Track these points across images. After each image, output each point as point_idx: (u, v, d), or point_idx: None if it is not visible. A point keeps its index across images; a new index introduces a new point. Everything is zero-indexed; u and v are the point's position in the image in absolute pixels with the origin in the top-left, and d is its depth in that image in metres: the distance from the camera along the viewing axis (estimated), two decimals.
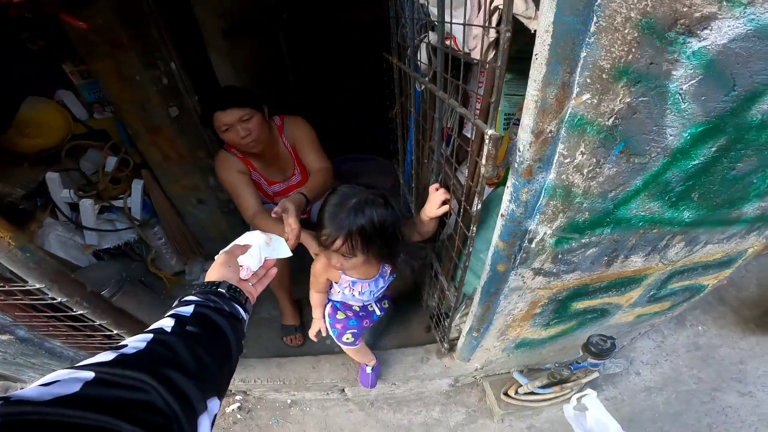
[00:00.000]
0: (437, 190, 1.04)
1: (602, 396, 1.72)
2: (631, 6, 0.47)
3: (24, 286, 0.94)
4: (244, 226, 2.31)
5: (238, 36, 2.02)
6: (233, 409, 1.81)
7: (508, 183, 0.68)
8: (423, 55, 1.06)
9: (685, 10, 0.47)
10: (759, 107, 0.58)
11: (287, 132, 1.58)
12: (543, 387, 1.44)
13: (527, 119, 0.57)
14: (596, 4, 0.47)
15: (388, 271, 1.22)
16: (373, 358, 1.59)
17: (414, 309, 1.92)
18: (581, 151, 0.58)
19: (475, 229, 0.80)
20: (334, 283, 1.23)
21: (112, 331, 1.23)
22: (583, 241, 0.76)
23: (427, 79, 0.95)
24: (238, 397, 1.84)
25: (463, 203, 0.85)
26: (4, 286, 0.96)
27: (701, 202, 0.73)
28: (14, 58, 1.71)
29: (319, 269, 1.18)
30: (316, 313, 1.35)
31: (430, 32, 0.97)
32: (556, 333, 1.31)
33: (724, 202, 0.75)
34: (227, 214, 2.20)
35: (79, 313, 1.08)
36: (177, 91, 1.77)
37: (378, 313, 1.40)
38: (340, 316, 1.34)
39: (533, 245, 0.77)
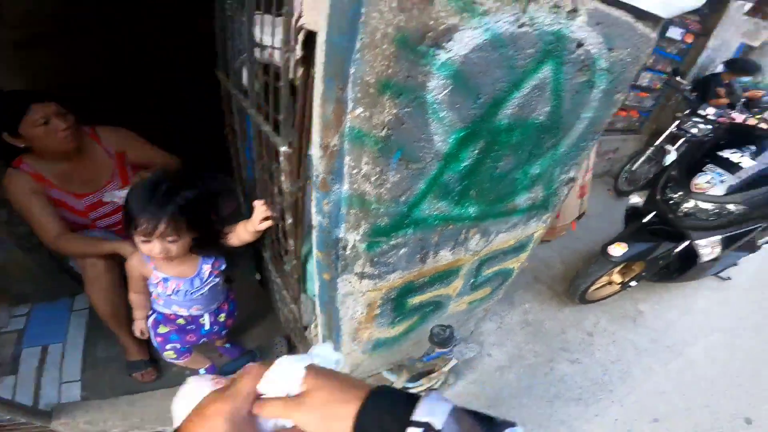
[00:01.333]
0: (262, 205, 1.08)
1: (465, 380, 1.87)
2: (388, 22, 0.52)
3: None
4: (55, 262, 1.92)
5: (35, 48, 1.70)
6: None
7: (312, 196, 0.71)
8: (245, 75, 1.06)
9: (431, 23, 0.54)
10: (504, 112, 0.72)
11: (105, 139, 1.47)
12: (411, 380, 1.54)
13: (315, 135, 0.61)
14: (360, 21, 0.51)
15: (207, 272, 1.19)
16: (206, 362, 1.53)
17: (277, 327, 1.86)
18: (365, 162, 0.64)
19: (293, 242, 0.81)
20: (150, 287, 1.19)
21: None
22: (392, 243, 0.85)
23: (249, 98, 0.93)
24: None
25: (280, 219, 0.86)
26: None
27: (480, 198, 0.88)
28: None
29: (133, 264, 1.16)
30: (136, 314, 1.30)
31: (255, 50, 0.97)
32: (403, 329, 1.41)
33: (498, 196, 0.92)
34: (32, 251, 1.80)
35: None
36: None
37: (207, 327, 1.33)
38: (161, 329, 1.28)
39: (348, 252, 0.82)
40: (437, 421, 0.34)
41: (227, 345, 1.75)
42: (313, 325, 1.39)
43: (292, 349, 1.77)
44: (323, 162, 0.63)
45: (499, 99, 0.69)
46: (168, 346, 1.29)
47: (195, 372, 1.52)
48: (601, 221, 2.95)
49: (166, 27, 1.90)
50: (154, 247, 0.99)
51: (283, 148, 0.62)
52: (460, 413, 0.36)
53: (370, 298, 1.06)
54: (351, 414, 0.37)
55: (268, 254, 1.23)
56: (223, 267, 1.21)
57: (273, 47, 0.71)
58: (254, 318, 1.93)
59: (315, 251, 0.81)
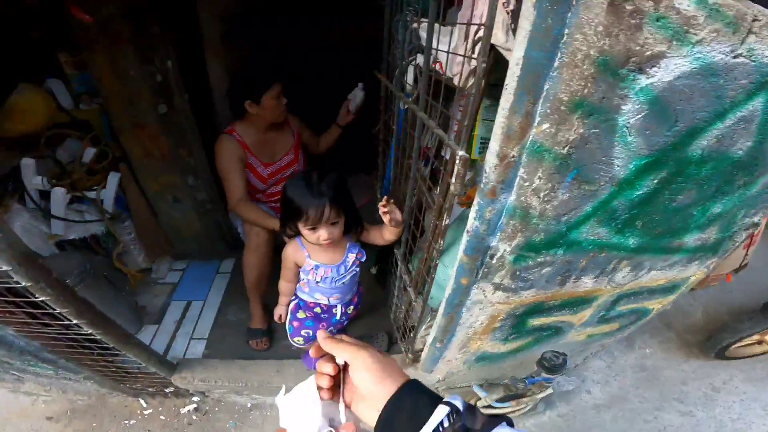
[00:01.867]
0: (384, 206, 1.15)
1: (555, 411, 1.80)
2: (592, 44, 0.53)
3: None
4: (218, 228, 2.31)
5: (234, 40, 2.07)
6: (189, 410, 1.78)
7: (475, 201, 0.74)
8: (410, 77, 1.15)
9: (637, 48, 0.54)
10: (699, 143, 0.67)
11: (292, 121, 1.84)
12: (500, 401, 1.50)
13: (494, 143, 0.64)
14: (562, 41, 0.53)
15: (351, 261, 1.31)
16: None
17: (381, 322, 1.96)
18: (539, 176, 0.66)
19: (442, 242, 0.86)
20: (301, 274, 1.33)
21: (71, 321, 1.17)
22: (539, 260, 0.84)
23: (411, 99, 1.02)
24: (195, 398, 1.80)
25: (435, 219, 0.91)
26: None
27: (645, 230, 0.82)
28: (11, 44, 1.75)
29: (289, 252, 1.29)
30: (282, 300, 1.45)
31: (418, 55, 1.06)
32: (514, 348, 1.37)
33: (666, 231, 0.85)
34: (203, 215, 2.20)
35: (40, 299, 1.04)
36: (169, 89, 1.79)
37: (338, 317, 1.44)
38: (300, 314, 1.42)
39: (494, 261, 0.83)
40: (459, 404, 0.42)
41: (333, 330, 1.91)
42: (423, 328, 1.44)
43: (391, 346, 1.85)
44: (497, 171, 0.66)
45: (697, 129, 0.64)
46: (302, 332, 1.43)
47: (305, 354, 1.69)
48: (763, 277, 2.45)
49: (342, 30, 2.15)
50: (322, 233, 1.12)
51: (461, 153, 0.67)
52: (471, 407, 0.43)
53: (496, 310, 1.06)
54: (397, 385, 0.46)
55: (401, 251, 1.31)
56: (364, 258, 1.33)
57: (452, 52, 0.76)
58: (362, 309, 2.06)
59: (461, 255, 0.85)
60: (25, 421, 1.81)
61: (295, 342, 1.48)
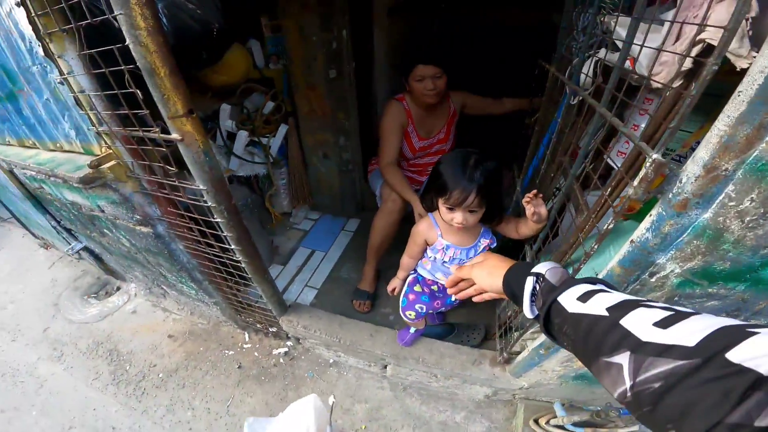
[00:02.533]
0: (530, 198, 1.13)
1: None
2: None
3: (191, 185, 1.07)
4: (353, 189, 2.53)
5: (398, 15, 2.19)
6: (280, 353, 1.97)
7: (653, 212, 0.69)
8: (587, 70, 1.08)
9: None
10: None
11: (454, 100, 1.89)
12: (576, 425, 1.40)
13: (703, 152, 0.58)
14: None
15: (482, 246, 1.29)
16: (422, 324, 1.66)
17: (482, 314, 1.94)
18: (751, 198, 0.58)
19: (596, 247, 0.82)
20: (428, 251, 1.34)
21: (229, 246, 1.32)
22: (710, 290, 0.74)
23: (588, 93, 0.97)
24: (289, 343, 1.99)
25: (591, 219, 0.87)
26: (174, 181, 1.08)
27: None
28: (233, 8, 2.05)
29: (421, 229, 1.30)
30: (400, 273, 1.47)
31: (603, 49, 0.99)
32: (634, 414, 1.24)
33: None
34: (344, 174, 2.44)
35: (216, 221, 1.19)
36: (340, 55, 2.00)
37: (452, 299, 1.46)
38: (417, 288, 1.44)
39: (653, 279, 0.77)
40: (542, 269, 0.62)
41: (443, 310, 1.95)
42: (531, 331, 1.39)
43: (484, 341, 1.82)
44: (697, 183, 0.60)
45: None
46: (417, 306, 1.45)
47: (402, 330, 1.74)
48: None
49: (508, 12, 2.16)
50: (457, 216, 1.12)
51: (655, 156, 0.62)
52: (557, 268, 0.63)
53: None
54: (503, 271, 0.72)
55: (536, 247, 1.27)
56: (495, 245, 1.32)
57: (663, 49, 0.69)
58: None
59: (613, 265, 0.80)
60: (151, 336, 2.13)
61: (407, 315, 1.49)
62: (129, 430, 1.72)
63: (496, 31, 2.24)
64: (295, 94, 2.25)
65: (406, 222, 1.80)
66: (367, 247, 1.94)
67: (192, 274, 1.66)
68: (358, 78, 2.17)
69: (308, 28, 1.91)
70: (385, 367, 1.84)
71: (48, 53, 0.89)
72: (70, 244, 2.08)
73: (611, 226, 0.76)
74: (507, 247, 1.45)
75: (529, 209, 1.12)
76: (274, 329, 1.95)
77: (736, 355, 0.33)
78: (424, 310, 1.46)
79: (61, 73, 0.92)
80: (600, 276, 0.87)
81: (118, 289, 2.47)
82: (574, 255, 1.02)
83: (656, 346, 0.38)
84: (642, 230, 0.71)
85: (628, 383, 0.39)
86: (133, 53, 0.77)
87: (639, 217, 1.10)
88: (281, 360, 1.95)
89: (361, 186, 2.54)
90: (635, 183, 0.66)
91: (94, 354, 2.06)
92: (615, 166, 0.81)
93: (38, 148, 1.34)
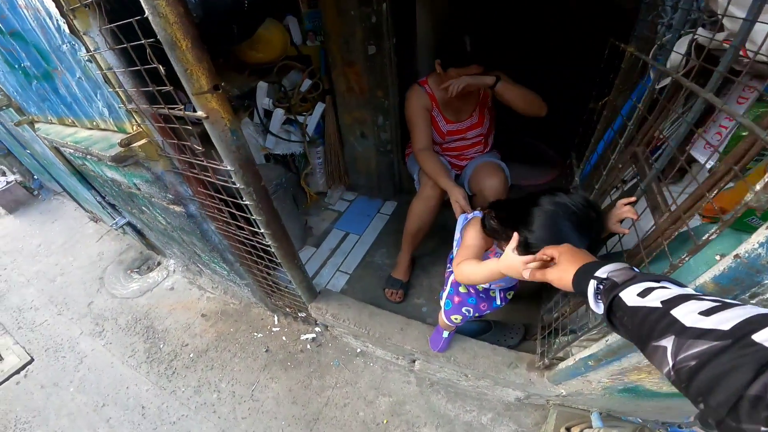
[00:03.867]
0: (626, 205, 0.95)
1: None
2: None
3: (218, 165, 1.02)
4: (390, 169, 2.43)
5: None
6: (307, 338, 1.93)
7: None
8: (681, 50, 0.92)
9: None
10: None
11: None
12: None
13: None
14: None
15: None
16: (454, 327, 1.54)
17: (523, 313, 1.81)
18: None
19: (687, 259, 0.68)
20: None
21: (259, 229, 1.27)
22: None
23: (680, 74, 0.80)
24: (317, 329, 1.95)
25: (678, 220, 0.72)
26: (202, 160, 1.04)
27: None
28: None
29: (472, 233, 1.10)
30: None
31: (701, 28, 0.83)
32: (678, 392, 1.10)
33: None
34: (381, 154, 2.34)
35: (245, 203, 1.14)
36: (380, 31, 1.87)
37: (498, 302, 1.33)
38: (462, 289, 1.31)
39: (753, 301, 0.62)
40: (604, 273, 0.64)
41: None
42: (581, 338, 1.25)
43: (523, 341, 1.70)
44: None
45: None
46: (463, 309, 1.31)
47: (435, 332, 1.61)
48: None
49: None
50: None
51: None
52: (621, 270, 0.63)
53: None
54: (574, 271, 0.71)
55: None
56: None
57: None
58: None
59: (706, 280, 0.65)
60: (185, 314, 2.15)
61: (452, 320, 1.35)
62: (157, 410, 1.77)
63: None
64: (332, 72, 2.15)
65: (444, 209, 1.69)
66: (403, 233, 1.85)
67: (224, 255, 1.64)
68: (400, 55, 2.03)
69: (346, 1, 1.79)
70: (414, 361, 1.76)
71: (73, 30, 0.84)
72: (114, 219, 2.15)
73: (714, 236, 0.61)
74: None
75: (619, 215, 0.95)
76: (303, 314, 1.93)
77: (760, 335, 0.36)
78: (471, 313, 1.33)
79: (87, 50, 0.87)
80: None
81: (159, 264, 2.54)
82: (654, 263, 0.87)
83: (696, 330, 0.42)
84: (753, 244, 0.56)
85: (670, 363, 0.44)
86: (153, 25, 0.70)
87: (734, 223, 0.93)
88: (308, 346, 1.93)
89: (399, 167, 2.43)
90: (758, 187, 0.52)
91: (132, 331, 2.13)
92: (699, 161, 0.65)
93: (77, 126, 1.34)
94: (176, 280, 2.40)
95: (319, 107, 2.27)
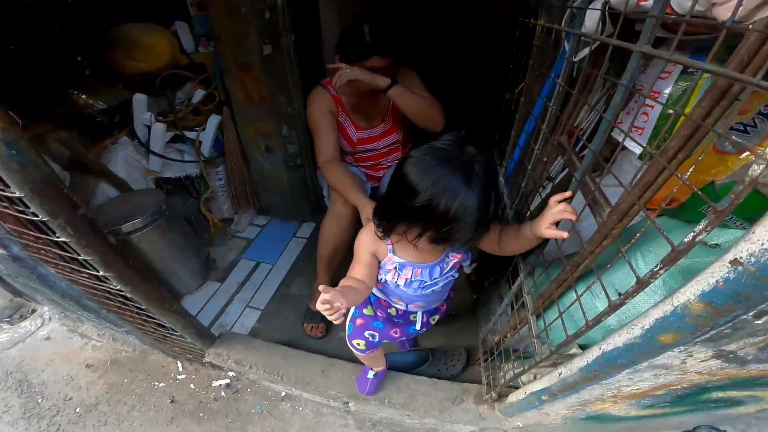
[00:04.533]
0: (560, 203, 0.77)
1: None
2: None
3: (4, 191, 0.73)
4: (304, 186, 2.15)
5: None
6: (220, 385, 1.65)
7: None
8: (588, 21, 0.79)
9: None
10: None
11: (403, 79, 1.42)
12: None
13: None
14: None
15: (452, 263, 0.92)
16: (382, 364, 1.31)
17: (463, 335, 1.61)
18: None
19: (663, 272, 0.49)
20: (381, 272, 0.93)
21: (98, 271, 0.97)
22: None
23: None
24: (230, 374, 1.67)
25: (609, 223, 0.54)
26: None
27: None
28: None
29: (365, 240, 0.90)
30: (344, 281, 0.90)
31: None
32: (649, 414, 0.97)
33: None
34: (292, 170, 2.05)
35: (61, 240, 0.84)
36: (276, 27, 1.64)
37: (418, 327, 1.11)
38: (368, 311, 1.08)
39: (759, 322, 0.44)
40: None
41: (406, 343, 1.59)
42: (530, 371, 1.06)
43: (467, 367, 1.52)
44: None
45: None
46: (366, 333, 1.09)
47: (361, 373, 1.37)
48: None
49: None
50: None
51: None
52: None
53: (679, 380, 0.67)
54: None
55: (526, 268, 0.95)
56: (468, 261, 0.95)
57: None
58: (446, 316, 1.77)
59: (691, 300, 0.47)
60: (66, 365, 1.82)
61: (354, 346, 1.14)
62: None
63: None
64: (226, 79, 1.84)
65: (361, 227, 1.45)
66: (317, 258, 1.57)
67: (80, 301, 1.30)
68: (302, 55, 1.80)
69: None
70: (347, 403, 1.50)
71: None
72: None
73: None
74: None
75: (554, 216, 0.77)
76: (209, 359, 1.62)
77: None
78: (377, 339, 1.11)
79: None
80: (652, 315, 0.55)
81: (34, 311, 2.09)
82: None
83: None
84: (760, 243, 0.38)
85: None
86: None
87: (684, 213, 0.80)
88: (222, 393, 1.62)
89: (313, 183, 2.16)
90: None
91: (4, 385, 1.75)
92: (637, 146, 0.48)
93: None
94: (53, 329, 1.99)
95: (214, 120, 1.93)
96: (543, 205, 0.87)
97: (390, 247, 0.88)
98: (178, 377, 1.69)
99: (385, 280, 0.93)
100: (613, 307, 0.62)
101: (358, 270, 0.88)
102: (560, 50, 0.94)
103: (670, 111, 0.71)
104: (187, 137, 1.96)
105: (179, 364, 1.73)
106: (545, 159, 1.01)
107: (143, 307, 1.11)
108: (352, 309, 1.10)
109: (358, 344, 1.13)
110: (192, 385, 1.65)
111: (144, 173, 1.95)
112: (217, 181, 2.14)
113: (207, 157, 2.03)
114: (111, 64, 1.80)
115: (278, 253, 2.09)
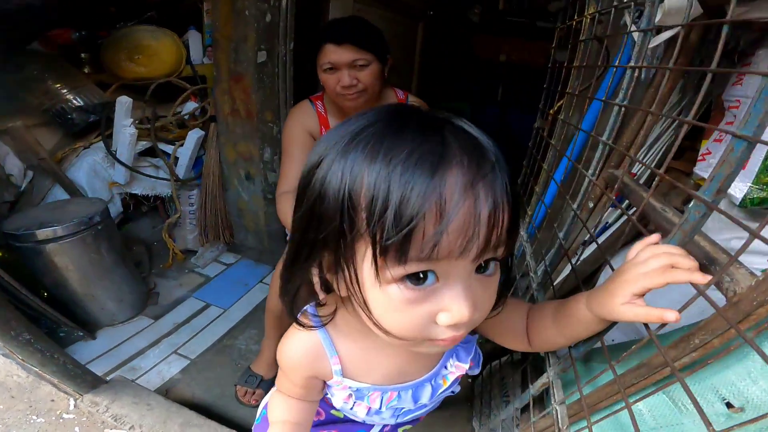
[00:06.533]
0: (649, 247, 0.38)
1: None
2: None
3: None
4: (282, 225, 1.82)
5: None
6: None
7: None
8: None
9: None
10: None
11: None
12: None
13: None
14: None
15: (453, 376, 0.54)
16: None
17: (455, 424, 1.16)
18: None
19: None
20: (327, 391, 0.55)
21: None
22: None
23: None
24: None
25: None
26: None
27: None
28: None
29: (296, 356, 0.53)
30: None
31: None
32: None
33: None
34: (270, 204, 1.74)
35: None
36: (275, 32, 1.47)
37: None
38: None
39: None
40: None
41: None
42: None
43: None
44: None
45: None
46: None
47: None
48: None
49: None
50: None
51: None
52: None
53: None
54: None
55: (558, 365, 0.56)
56: (478, 369, 0.56)
57: None
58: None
59: None
60: None
61: None
62: None
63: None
64: (216, 89, 1.64)
65: None
66: (265, 311, 1.20)
67: None
68: (301, 65, 1.58)
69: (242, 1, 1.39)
70: None
71: None
72: None
73: None
74: None
75: (646, 280, 0.36)
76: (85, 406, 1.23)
77: None
78: None
79: None
80: None
81: None
82: None
83: None
84: None
85: None
86: None
87: None
88: None
89: None
90: None
91: None
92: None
93: None
94: None
95: (194, 135, 1.70)
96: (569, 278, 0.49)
97: (335, 358, 0.49)
98: (65, 416, 1.31)
99: (337, 405, 0.54)
100: None
101: (291, 389, 0.54)
102: (622, 43, 0.63)
103: None
104: (161, 150, 1.72)
105: (71, 402, 1.36)
106: (590, 205, 0.66)
107: None
108: (262, 404, 0.70)
109: None
110: (77, 429, 1.27)
111: (108, 184, 1.69)
112: (188, 207, 1.86)
113: (182, 177, 1.77)
114: (111, 66, 1.70)
115: (235, 298, 1.71)
